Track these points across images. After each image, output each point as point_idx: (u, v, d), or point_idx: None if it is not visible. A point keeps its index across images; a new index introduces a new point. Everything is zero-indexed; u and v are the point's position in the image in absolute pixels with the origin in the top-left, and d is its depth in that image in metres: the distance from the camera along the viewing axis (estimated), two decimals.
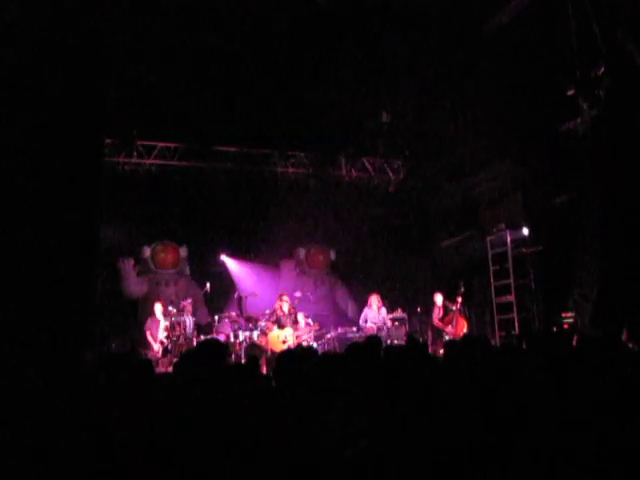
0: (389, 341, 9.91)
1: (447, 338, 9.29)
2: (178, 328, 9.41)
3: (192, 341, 9.30)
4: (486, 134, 9.89)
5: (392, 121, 11.05)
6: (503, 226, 10.25)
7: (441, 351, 8.30)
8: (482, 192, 10.99)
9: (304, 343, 9.47)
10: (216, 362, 2.98)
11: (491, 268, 10.59)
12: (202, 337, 9.37)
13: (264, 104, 9.81)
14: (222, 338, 9.72)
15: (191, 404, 2.62)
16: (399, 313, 10.50)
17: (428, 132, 11.10)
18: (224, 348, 3.20)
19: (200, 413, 2.57)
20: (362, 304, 10.81)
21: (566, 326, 8.36)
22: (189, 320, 9.69)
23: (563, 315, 8.57)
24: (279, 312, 9.75)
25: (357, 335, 10.43)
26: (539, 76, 8.07)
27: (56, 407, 2.70)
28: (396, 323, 10.56)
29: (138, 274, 11.86)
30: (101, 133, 8.61)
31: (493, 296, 10.46)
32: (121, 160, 11.01)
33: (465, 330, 9.57)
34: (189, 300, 9.87)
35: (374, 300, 10.28)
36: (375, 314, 10.18)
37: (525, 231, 9.91)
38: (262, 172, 11.99)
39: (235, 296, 10.50)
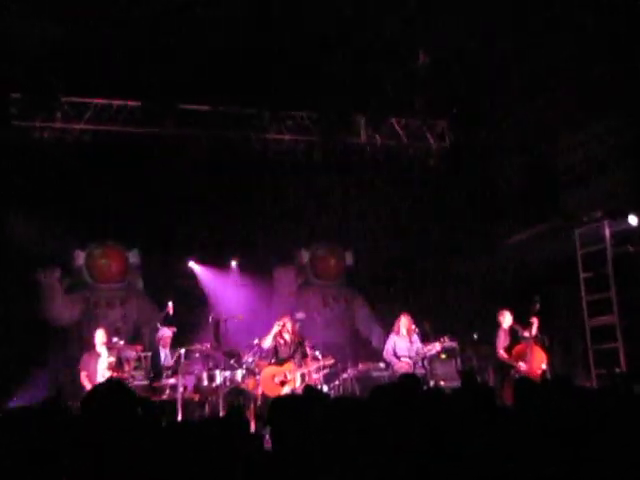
0: (432, 382, 9.81)
1: (518, 377, 9.20)
2: (128, 367, 9.35)
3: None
4: (573, 80, 9.74)
5: (434, 64, 10.95)
6: (599, 214, 10.13)
7: (508, 396, 8.23)
8: (567, 165, 10.86)
9: (312, 384, 9.41)
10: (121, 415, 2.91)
11: (581, 275, 10.48)
12: (170, 380, 9.35)
13: (250, 45, 9.70)
14: (191, 381, 9.68)
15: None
16: (447, 342, 10.37)
17: (486, 80, 10.98)
18: (128, 394, 3.12)
19: None
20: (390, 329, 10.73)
21: None
22: (165, 355, 9.70)
23: None
24: (279, 341, 9.69)
25: (385, 374, 10.32)
26: None
27: None
28: (442, 356, 10.43)
29: (67, 290, 11.80)
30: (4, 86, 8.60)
31: (585, 316, 10.36)
32: (38, 125, 10.88)
33: (544, 366, 9.50)
34: (171, 330, 9.86)
35: (404, 323, 10.21)
36: (406, 343, 10.10)
37: (633, 220, 9.78)
38: (247, 140, 11.89)
39: (210, 320, 10.44)
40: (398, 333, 10.23)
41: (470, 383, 6.52)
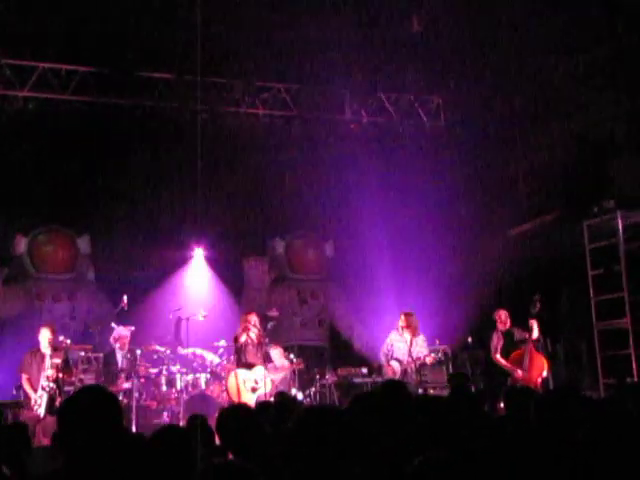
0: (421, 390, 9.83)
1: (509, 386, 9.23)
2: (76, 369, 9.29)
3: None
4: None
5: (428, 31, 10.95)
6: (612, 203, 10.09)
7: (502, 406, 8.30)
8: (606, 136, 10.63)
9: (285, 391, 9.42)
10: (110, 427, 2.88)
11: (590, 273, 10.49)
12: (124, 385, 9.38)
13: (217, 3, 9.65)
14: (148, 386, 9.65)
15: None
16: (437, 346, 10.45)
17: (488, 50, 10.96)
18: (113, 402, 3.06)
19: None
20: (378, 330, 10.75)
21: None
22: (121, 358, 9.66)
23: None
24: (246, 340, 9.67)
25: (370, 380, 10.40)
26: None
27: None
28: (430, 358, 10.48)
29: (6, 281, 11.76)
30: None
31: (594, 318, 10.36)
32: None
33: (545, 374, 9.57)
34: (128, 330, 9.80)
35: (404, 322, 10.21)
36: (404, 344, 10.14)
37: None
38: (217, 115, 11.89)
39: (171, 317, 10.42)
40: (397, 330, 10.25)
41: (459, 391, 6.52)
